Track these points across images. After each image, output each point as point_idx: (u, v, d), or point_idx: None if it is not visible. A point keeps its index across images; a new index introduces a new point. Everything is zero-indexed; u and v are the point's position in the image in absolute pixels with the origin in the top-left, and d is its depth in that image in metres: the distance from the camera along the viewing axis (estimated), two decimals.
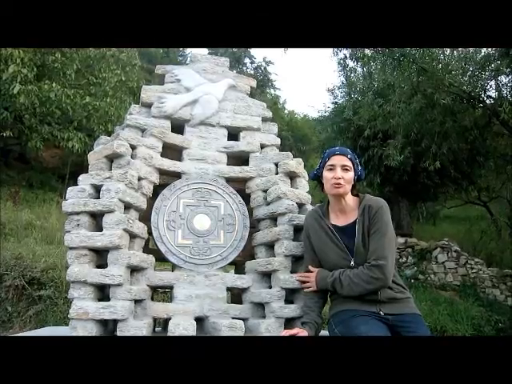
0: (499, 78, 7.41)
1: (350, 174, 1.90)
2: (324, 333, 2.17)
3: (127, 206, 1.94)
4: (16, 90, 6.67)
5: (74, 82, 8.42)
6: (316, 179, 2.04)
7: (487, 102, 7.71)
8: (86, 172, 1.98)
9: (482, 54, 7.18)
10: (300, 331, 1.78)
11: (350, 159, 1.91)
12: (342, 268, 1.85)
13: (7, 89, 6.88)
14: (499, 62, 6.82)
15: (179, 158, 2.28)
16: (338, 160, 1.90)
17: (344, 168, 1.89)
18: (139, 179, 2.01)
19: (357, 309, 1.80)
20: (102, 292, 1.89)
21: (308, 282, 1.96)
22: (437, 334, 5.63)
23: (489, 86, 7.66)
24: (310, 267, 1.96)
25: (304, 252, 2.04)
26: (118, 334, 1.77)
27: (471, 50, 7.32)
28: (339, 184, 1.86)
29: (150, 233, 2.13)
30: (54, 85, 7.28)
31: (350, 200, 1.94)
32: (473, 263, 8.21)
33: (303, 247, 2.05)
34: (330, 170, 1.90)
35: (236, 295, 2.38)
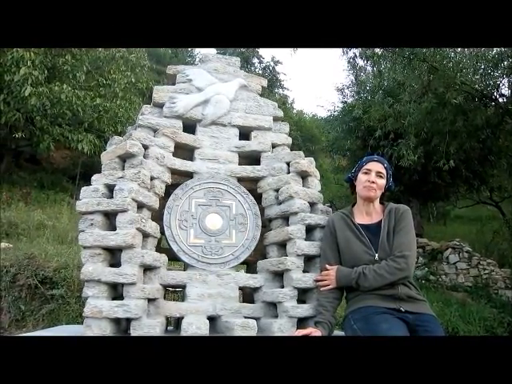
0: None
1: (383, 182, 2.05)
2: (336, 333, 2.16)
3: (140, 206, 1.95)
4: (27, 91, 6.75)
5: (84, 84, 8.50)
6: (349, 182, 2.18)
7: (500, 100, 7.61)
8: (97, 173, 2.00)
9: (494, 51, 7.08)
10: (313, 331, 1.79)
11: (385, 168, 2.06)
12: (365, 263, 1.90)
13: (19, 91, 6.97)
14: None
15: (191, 158, 2.28)
16: (374, 166, 2.05)
17: (378, 174, 2.04)
18: (151, 179, 2.02)
19: (378, 305, 1.83)
20: (116, 291, 1.90)
21: (325, 281, 1.96)
22: (449, 335, 5.57)
23: (501, 84, 7.56)
24: (327, 266, 1.98)
25: (323, 250, 2.05)
26: (132, 332, 1.78)
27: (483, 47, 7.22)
28: (371, 188, 2.00)
29: (162, 232, 2.13)
30: (64, 86, 7.35)
31: (377, 206, 2.08)
32: (485, 264, 8.11)
33: (322, 245, 2.06)
34: (366, 173, 2.05)
35: (248, 294, 2.37)
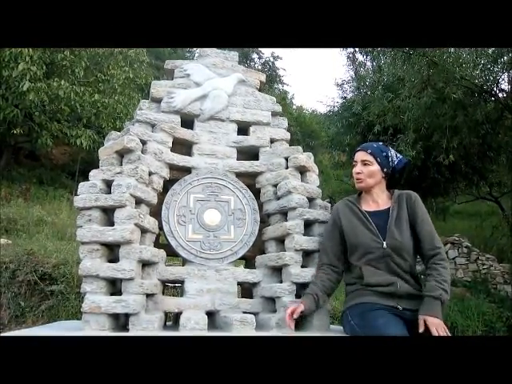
0: None
1: (371, 168, 1.96)
2: (334, 328, 2.17)
3: (138, 201, 1.94)
4: (26, 87, 6.72)
5: (82, 80, 8.45)
6: None
7: (499, 95, 7.59)
8: (96, 169, 1.99)
9: None
10: (297, 307, 1.82)
11: (370, 154, 1.97)
12: (372, 251, 1.85)
13: (17, 86, 6.94)
14: None
15: (189, 153, 2.27)
16: (358, 156, 2.00)
17: (364, 163, 1.97)
18: (150, 174, 2.01)
19: (375, 302, 1.80)
20: (114, 286, 1.90)
21: None
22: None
23: (501, 80, 7.54)
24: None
25: (323, 241, 2.03)
26: (130, 327, 1.78)
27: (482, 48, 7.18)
28: (359, 178, 1.96)
29: (160, 228, 2.13)
30: (62, 82, 7.32)
31: (382, 193, 2.00)
32: (484, 259, 8.11)
33: (323, 235, 2.05)
34: (353, 166, 2.02)
35: (246, 290, 2.38)
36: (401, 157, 2.01)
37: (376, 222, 1.90)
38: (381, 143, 2.07)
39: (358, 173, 1.96)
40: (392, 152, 2.01)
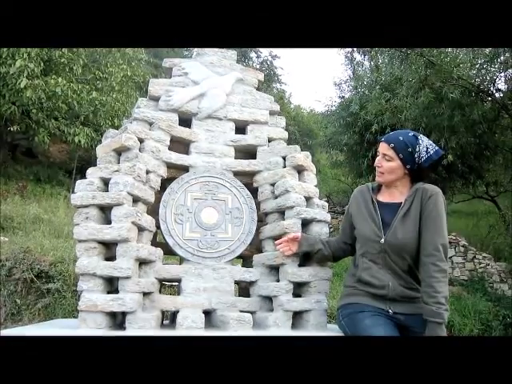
0: (509, 71, 7.31)
1: (390, 164, 1.81)
2: (330, 326, 2.18)
3: (135, 200, 1.94)
4: (23, 84, 6.69)
5: (80, 77, 8.42)
6: None
7: (496, 95, 7.62)
8: (93, 166, 1.99)
9: None
10: (295, 235, 1.99)
11: (392, 148, 1.80)
12: (370, 242, 1.80)
13: (14, 83, 6.91)
14: (508, 54, 6.73)
15: (186, 152, 2.27)
16: (380, 148, 1.86)
17: (384, 157, 1.84)
18: (147, 172, 2.01)
19: (366, 304, 1.78)
20: (111, 285, 1.90)
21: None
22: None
23: (497, 79, 7.56)
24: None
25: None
26: (127, 326, 1.78)
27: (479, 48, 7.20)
28: (378, 172, 1.86)
29: (157, 226, 2.13)
30: (60, 79, 7.29)
31: (404, 188, 1.86)
32: (480, 258, 8.15)
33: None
34: (377, 156, 1.89)
35: (243, 288, 2.38)
36: (433, 151, 1.78)
37: (384, 214, 1.81)
38: (411, 133, 1.84)
39: (378, 166, 1.85)
40: (422, 146, 1.78)
